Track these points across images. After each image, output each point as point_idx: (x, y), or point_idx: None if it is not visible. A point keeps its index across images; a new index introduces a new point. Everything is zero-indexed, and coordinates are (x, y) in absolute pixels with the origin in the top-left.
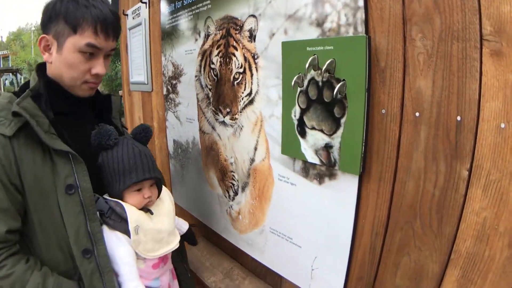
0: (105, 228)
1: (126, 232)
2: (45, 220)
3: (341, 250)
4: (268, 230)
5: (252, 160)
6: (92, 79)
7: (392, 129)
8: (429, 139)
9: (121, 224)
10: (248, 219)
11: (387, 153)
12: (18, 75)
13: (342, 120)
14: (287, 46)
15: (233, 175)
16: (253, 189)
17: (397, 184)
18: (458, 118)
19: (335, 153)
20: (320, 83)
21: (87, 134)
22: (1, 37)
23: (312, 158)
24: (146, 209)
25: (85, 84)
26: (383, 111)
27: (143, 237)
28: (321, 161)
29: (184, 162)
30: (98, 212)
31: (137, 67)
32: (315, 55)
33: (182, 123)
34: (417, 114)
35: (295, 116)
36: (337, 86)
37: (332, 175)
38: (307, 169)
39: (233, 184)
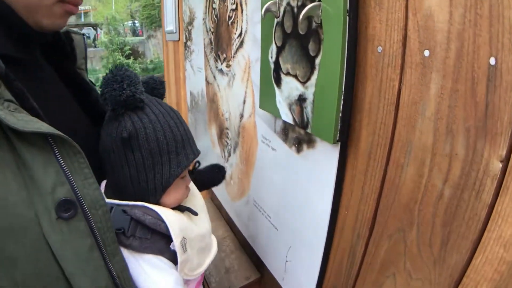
0: (126, 256)
1: (163, 252)
2: (28, 279)
3: (316, 247)
4: (252, 202)
5: (242, 116)
6: None
7: (390, 78)
8: (443, 96)
9: (153, 241)
10: (237, 185)
11: (382, 116)
12: (99, 30)
13: (317, 60)
14: None
15: (227, 133)
16: (242, 150)
17: (390, 168)
18: (492, 60)
19: (308, 108)
20: (296, 10)
21: (57, 96)
22: None
23: (286, 114)
24: (184, 207)
25: (60, 5)
26: (379, 49)
27: (190, 251)
28: (293, 119)
29: (196, 116)
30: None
31: (170, 15)
32: None
33: (195, 73)
34: (426, 52)
35: (271, 57)
36: (306, 8)
37: (310, 142)
38: (286, 130)
39: (228, 143)
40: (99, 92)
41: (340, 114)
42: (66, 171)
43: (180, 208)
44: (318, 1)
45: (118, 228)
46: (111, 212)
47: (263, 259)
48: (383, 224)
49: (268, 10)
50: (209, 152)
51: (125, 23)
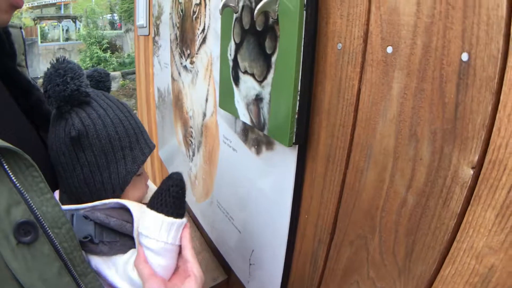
0: (97, 263)
1: (131, 245)
2: None
3: (278, 251)
4: (216, 203)
5: (204, 115)
6: None
7: (349, 76)
8: (407, 97)
9: (123, 243)
10: (202, 186)
11: (341, 118)
12: (77, 22)
13: (273, 59)
14: None
15: (191, 132)
16: (205, 150)
17: (350, 172)
18: (464, 56)
19: (264, 109)
20: (254, 4)
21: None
22: None
23: (243, 115)
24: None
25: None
26: (339, 45)
27: None
28: (251, 120)
29: (163, 113)
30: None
31: (141, 9)
32: None
33: (162, 69)
34: (388, 49)
35: (230, 55)
36: (261, 3)
37: (269, 144)
38: (246, 131)
39: (192, 142)
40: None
41: (296, 116)
42: (20, 188)
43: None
44: None
45: (85, 236)
46: (72, 220)
47: (229, 261)
48: (344, 230)
49: (226, 5)
50: (175, 151)
51: (104, 16)
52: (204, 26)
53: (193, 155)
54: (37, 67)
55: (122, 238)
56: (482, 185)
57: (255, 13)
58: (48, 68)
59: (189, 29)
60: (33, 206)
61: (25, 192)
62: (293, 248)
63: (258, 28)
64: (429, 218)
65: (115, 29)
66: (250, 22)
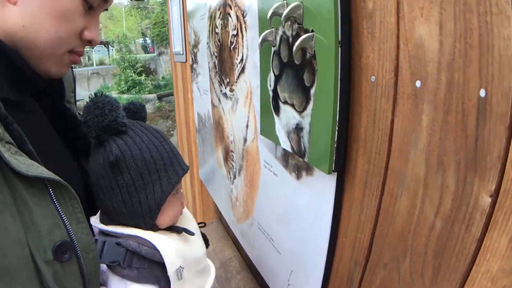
0: (116, 282)
1: (159, 280)
2: None
3: (316, 272)
4: (256, 225)
5: (245, 140)
6: (81, 46)
7: (383, 108)
8: (435, 128)
9: (150, 270)
10: (243, 207)
11: (376, 146)
12: (110, 47)
13: (312, 91)
14: None
15: (232, 155)
16: (246, 173)
17: (385, 197)
18: (482, 92)
19: (305, 138)
20: (291, 39)
21: (47, 138)
22: None
23: (284, 142)
24: (180, 228)
25: (68, 55)
26: (373, 78)
27: (187, 276)
28: (292, 147)
29: (204, 137)
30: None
31: (176, 37)
32: (284, 1)
33: (201, 95)
34: (417, 83)
35: (270, 86)
36: (299, 40)
37: (309, 169)
38: (286, 157)
39: (233, 166)
40: None
41: (335, 145)
42: (62, 214)
43: (176, 229)
44: (311, 32)
45: (112, 261)
46: (104, 246)
47: (268, 281)
48: (379, 252)
49: (265, 40)
50: (216, 173)
51: (136, 40)
52: (243, 56)
53: (234, 178)
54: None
55: (151, 266)
56: (498, 212)
57: (294, 49)
58: (87, 102)
59: (228, 59)
60: (71, 231)
61: (65, 219)
62: (330, 269)
63: (297, 62)
64: (453, 242)
65: (147, 53)
66: (288, 56)
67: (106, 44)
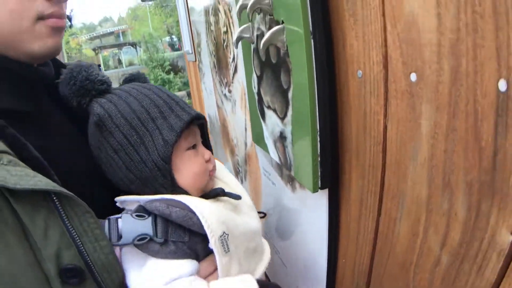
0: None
1: (198, 254)
2: None
3: None
4: (264, 233)
5: (246, 144)
6: (51, 7)
7: (373, 110)
8: (438, 136)
9: (191, 245)
10: None
11: (369, 157)
12: (138, 48)
13: (290, 94)
14: None
15: (238, 159)
16: (250, 179)
17: (383, 219)
18: (502, 85)
19: (289, 148)
20: (266, 33)
21: (70, 146)
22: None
23: (272, 152)
24: (220, 189)
25: (42, 23)
26: (359, 73)
27: (235, 251)
28: (279, 158)
29: (215, 139)
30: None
31: (185, 36)
32: None
33: (208, 95)
34: (412, 76)
35: (254, 88)
36: (266, 36)
37: None
38: (280, 166)
39: (239, 170)
40: None
41: (319, 159)
42: (73, 232)
43: (214, 192)
44: (281, 23)
45: (142, 236)
46: (118, 223)
47: None
48: (379, 280)
49: (240, 38)
50: None
51: (163, 38)
52: (234, 55)
53: (242, 183)
54: None
55: (192, 239)
56: None
57: (260, 48)
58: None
59: (223, 58)
60: (84, 252)
61: (77, 237)
62: None
63: (273, 61)
64: (462, 284)
65: (175, 50)
66: (265, 54)
67: (133, 45)
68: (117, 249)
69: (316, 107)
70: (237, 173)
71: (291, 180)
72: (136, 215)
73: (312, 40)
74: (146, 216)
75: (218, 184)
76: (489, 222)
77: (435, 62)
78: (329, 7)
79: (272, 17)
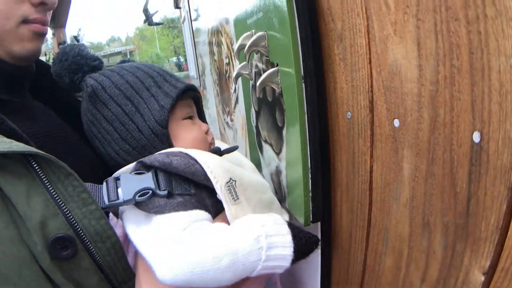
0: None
1: (209, 211)
2: None
3: None
4: None
5: None
6: (36, 13)
7: (361, 150)
8: (418, 180)
9: (199, 197)
10: None
11: (358, 194)
12: None
13: (284, 132)
14: (237, 24)
15: None
16: None
17: (370, 253)
18: (476, 136)
19: (283, 182)
20: (262, 73)
21: (57, 134)
22: (127, 33)
23: (269, 183)
24: (218, 148)
25: (25, 27)
26: (348, 114)
27: (245, 199)
28: (275, 190)
29: None
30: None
31: (191, 61)
32: (252, 30)
33: (212, 122)
34: (395, 122)
35: (253, 121)
36: (261, 78)
37: None
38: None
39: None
40: None
41: (310, 194)
42: (58, 199)
43: (214, 151)
44: (276, 66)
45: (144, 191)
46: (116, 182)
47: None
48: None
49: (239, 75)
50: None
51: (170, 59)
52: (235, 87)
53: None
54: None
55: (198, 191)
56: None
57: (256, 89)
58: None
59: (225, 88)
60: (72, 219)
61: (63, 204)
62: None
63: (269, 99)
64: None
65: (181, 71)
66: (263, 92)
67: None
68: (114, 222)
69: (307, 146)
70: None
71: (288, 211)
72: (136, 173)
73: (303, 84)
74: (146, 172)
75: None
76: (463, 262)
77: (416, 110)
78: (322, 50)
79: (267, 57)
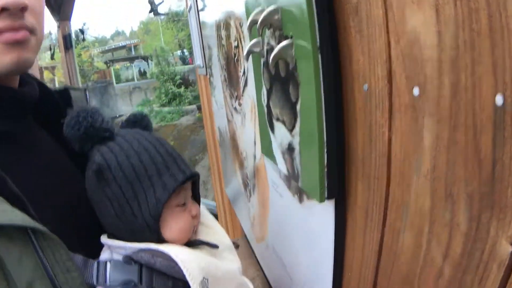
0: None
1: None
2: None
3: None
4: (271, 247)
5: (254, 157)
6: (1, 22)
7: (379, 123)
8: (440, 148)
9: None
10: (259, 227)
11: (375, 169)
12: (149, 62)
13: (298, 107)
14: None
15: (247, 173)
16: (259, 193)
17: (387, 231)
18: (498, 99)
19: (297, 160)
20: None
21: (55, 168)
22: (131, 27)
23: (281, 163)
24: (199, 241)
25: None
26: (365, 87)
27: None
28: (287, 169)
29: (226, 152)
30: None
31: (197, 49)
32: (264, 5)
33: (219, 109)
34: (415, 90)
35: (264, 101)
36: (274, 51)
37: None
38: (288, 177)
39: (248, 184)
40: None
41: (326, 170)
42: (46, 263)
43: (194, 243)
44: (290, 38)
45: (126, 282)
46: (106, 267)
47: None
48: None
49: (250, 52)
50: (237, 190)
51: (174, 52)
52: (244, 69)
53: (250, 196)
54: (115, 107)
55: (175, 284)
56: None
57: (269, 62)
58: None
59: (233, 72)
60: (56, 283)
61: (50, 269)
62: None
63: (282, 74)
64: None
65: (186, 64)
66: (275, 68)
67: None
68: None
69: (323, 119)
70: (245, 186)
71: (298, 192)
72: (124, 260)
73: (319, 55)
74: (133, 263)
75: (202, 229)
76: (489, 233)
77: (436, 77)
78: (336, 23)
79: (281, 32)
